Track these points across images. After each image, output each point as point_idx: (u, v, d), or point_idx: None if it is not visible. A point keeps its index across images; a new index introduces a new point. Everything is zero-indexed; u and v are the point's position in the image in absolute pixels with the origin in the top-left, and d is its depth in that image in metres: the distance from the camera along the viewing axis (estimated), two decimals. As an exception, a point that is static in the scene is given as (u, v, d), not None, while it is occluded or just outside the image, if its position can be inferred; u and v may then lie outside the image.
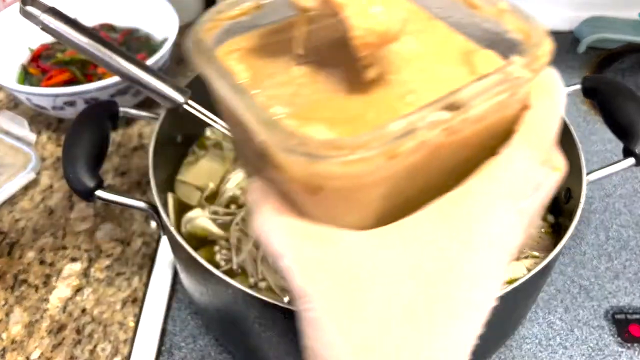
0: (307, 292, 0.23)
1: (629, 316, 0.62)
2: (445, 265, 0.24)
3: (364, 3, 0.24)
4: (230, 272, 0.54)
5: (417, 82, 0.28)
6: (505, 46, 0.28)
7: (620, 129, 0.54)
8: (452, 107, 0.23)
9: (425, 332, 0.23)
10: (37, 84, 0.81)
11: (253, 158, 0.28)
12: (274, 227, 0.25)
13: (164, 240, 0.69)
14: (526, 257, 0.53)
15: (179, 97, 0.54)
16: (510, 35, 0.28)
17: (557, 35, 0.31)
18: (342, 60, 0.28)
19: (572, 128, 0.55)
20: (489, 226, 0.24)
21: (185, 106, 0.55)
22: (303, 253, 0.24)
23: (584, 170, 0.52)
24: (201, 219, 0.57)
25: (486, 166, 0.25)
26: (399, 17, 0.25)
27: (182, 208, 0.59)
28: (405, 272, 0.24)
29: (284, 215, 0.25)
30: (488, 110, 0.24)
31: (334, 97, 0.27)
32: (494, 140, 0.26)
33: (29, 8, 0.47)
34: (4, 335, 0.61)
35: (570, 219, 0.49)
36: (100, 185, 0.50)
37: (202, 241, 0.56)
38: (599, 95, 0.57)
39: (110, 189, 0.73)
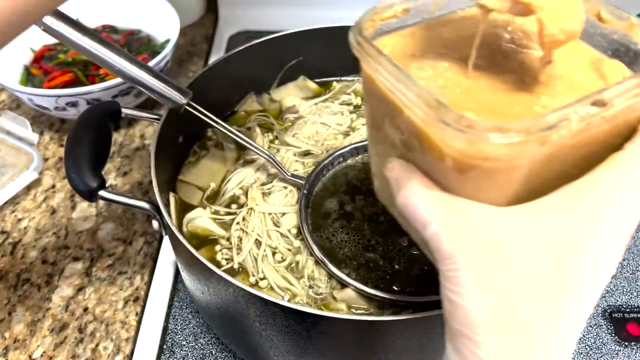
0: (453, 255, 0.27)
1: (626, 315, 0.62)
2: (575, 241, 0.28)
3: (557, 5, 0.28)
4: (231, 271, 0.54)
5: (551, 86, 0.31)
6: (630, 56, 0.33)
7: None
8: (599, 104, 0.27)
9: (556, 300, 0.27)
10: (39, 85, 0.81)
11: (395, 141, 0.33)
12: (422, 199, 0.29)
13: (166, 239, 0.69)
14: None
15: (180, 98, 0.54)
16: (638, 47, 0.32)
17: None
18: (486, 59, 0.32)
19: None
20: (615, 211, 0.28)
21: (187, 107, 0.56)
22: (450, 222, 0.28)
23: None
24: (202, 218, 0.58)
25: (612, 158, 0.29)
26: (582, 18, 0.29)
27: (184, 208, 0.60)
28: (540, 245, 0.27)
29: (430, 189, 0.29)
30: (621, 111, 0.28)
31: (478, 90, 0.31)
32: (616, 138, 0.30)
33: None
34: (6, 334, 0.61)
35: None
36: (102, 185, 0.50)
37: (204, 240, 0.57)
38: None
39: (113, 189, 0.74)
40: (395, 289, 0.51)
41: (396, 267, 0.52)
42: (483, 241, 0.27)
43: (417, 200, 0.29)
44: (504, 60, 0.32)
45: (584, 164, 0.29)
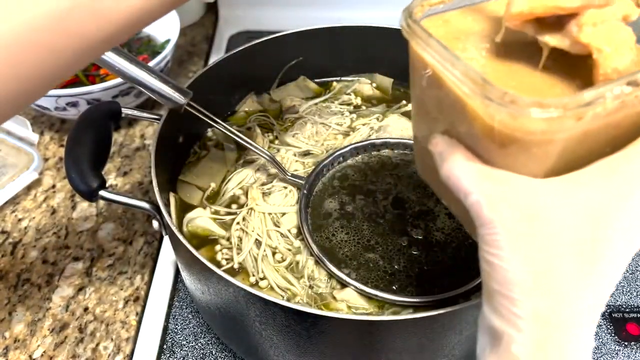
0: (493, 220, 0.30)
1: (626, 315, 0.62)
2: (610, 213, 0.30)
3: (614, 45, 0.30)
4: (231, 271, 0.54)
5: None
6: None
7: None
8: (634, 84, 0.29)
9: (589, 267, 0.29)
10: (40, 85, 0.81)
11: (439, 117, 0.36)
12: (464, 171, 0.32)
13: (166, 239, 0.69)
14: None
15: (180, 98, 0.55)
16: None
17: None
18: (524, 48, 0.34)
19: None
20: None
21: (187, 107, 0.56)
22: (490, 191, 0.31)
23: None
24: (202, 218, 0.58)
25: None
26: (634, 59, 0.31)
27: (184, 208, 0.60)
28: (574, 214, 0.29)
29: (472, 161, 0.32)
30: None
31: (515, 71, 0.33)
32: None
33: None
34: (7, 334, 0.61)
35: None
36: (102, 185, 0.50)
37: (204, 240, 0.57)
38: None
39: (113, 189, 0.74)
40: (395, 289, 0.51)
41: (396, 267, 0.52)
42: (520, 207, 0.30)
43: (460, 171, 0.32)
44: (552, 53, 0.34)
45: (617, 142, 0.31)
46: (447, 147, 0.34)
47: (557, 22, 0.32)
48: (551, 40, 0.32)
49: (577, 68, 0.33)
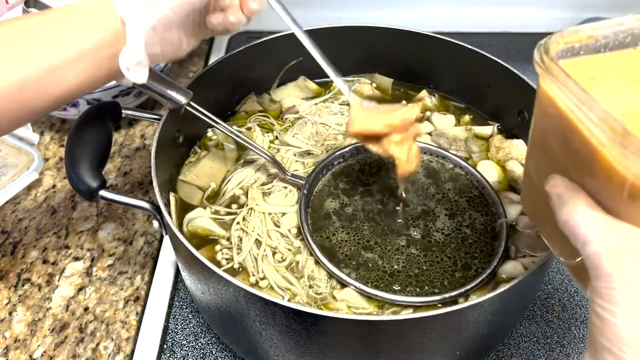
0: (612, 274, 0.29)
1: (626, 315, 0.62)
2: None
3: (407, 157, 0.38)
4: (231, 271, 0.54)
5: None
6: None
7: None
8: None
9: None
10: (40, 85, 0.81)
11: (560, 159, 0.35)
12: (585, 218, 0.31)
13: (166, 239, 0.69)
14: (524, 257, 0.54)
15: (180, 99, 0.55)
16: None
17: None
18: None
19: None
20: None
21: (187, 107, 0.56)
22: (614, 243, 0.29)
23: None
24: (203, 218, 0.58)
25: None
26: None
27: (184, 208, 0.60)
28: None
29: (594, 209, 0.31)
30: None
31: None
32: None
33: (32, 10, 0.48)
34: (7, 334, 0.61)
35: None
36: (103, 185, 0.50)
37: (204, 240, 0.57)
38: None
39: (113, 189, 0.74)
40: (395, 289, 0.51)
41: (395, 267, 0.52)
42: None
43: (581, 218, 0.31)
44: None
45: None
46: (567, 190, 0.33)
47: (378, 138, 0.50)
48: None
49: None
